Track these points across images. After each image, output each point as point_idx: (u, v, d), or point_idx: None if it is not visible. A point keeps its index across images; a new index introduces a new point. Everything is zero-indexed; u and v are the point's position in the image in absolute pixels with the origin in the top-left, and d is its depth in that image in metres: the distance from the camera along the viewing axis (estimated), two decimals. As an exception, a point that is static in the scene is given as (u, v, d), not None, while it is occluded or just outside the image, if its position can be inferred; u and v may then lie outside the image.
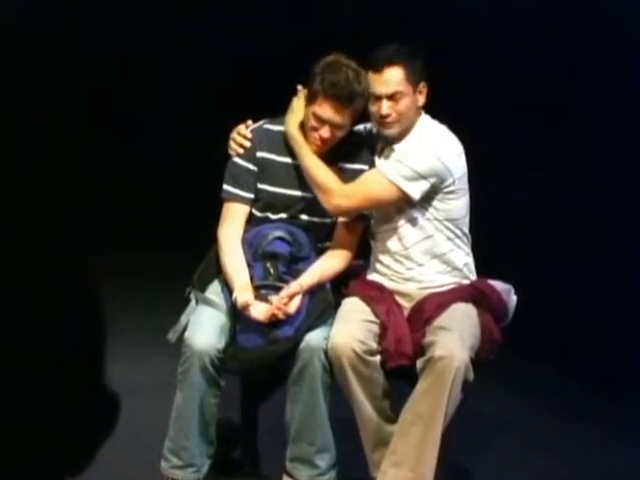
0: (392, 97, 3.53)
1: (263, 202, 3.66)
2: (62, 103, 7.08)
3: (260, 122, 3.73)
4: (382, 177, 3.52)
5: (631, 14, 5.56)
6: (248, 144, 3.63)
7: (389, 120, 3.55)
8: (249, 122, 3.69)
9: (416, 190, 3.51)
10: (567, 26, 5.76)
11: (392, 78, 3.53)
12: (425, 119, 3.65)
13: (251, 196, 3.65)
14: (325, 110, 3.49)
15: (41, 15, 6.87)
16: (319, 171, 3.55)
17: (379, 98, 3.54)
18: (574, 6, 5.69)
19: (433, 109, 3.68)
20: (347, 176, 3.61)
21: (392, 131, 3.59)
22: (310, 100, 3.53)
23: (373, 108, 3.57)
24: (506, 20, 5.93)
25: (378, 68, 3.53)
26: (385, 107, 3.53)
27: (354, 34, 5.20)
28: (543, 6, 5.83)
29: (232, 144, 3.67)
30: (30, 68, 7.01)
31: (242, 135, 3.64)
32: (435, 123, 3.65)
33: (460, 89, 5.66)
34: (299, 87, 3.62)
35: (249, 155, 3.65)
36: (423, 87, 3.58)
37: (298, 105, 3.61)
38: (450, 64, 5.50)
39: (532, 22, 5.91)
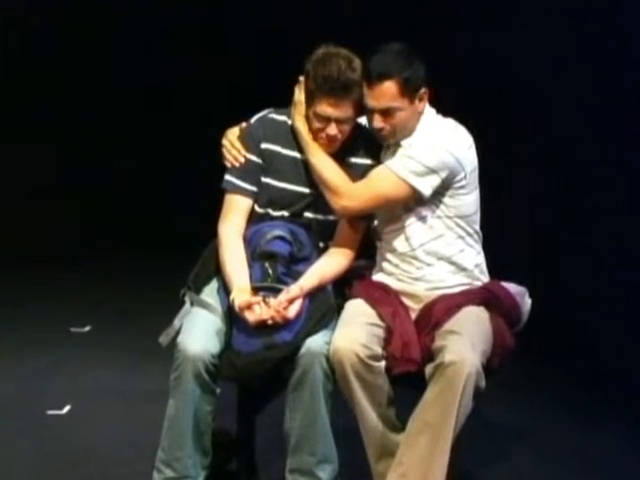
0: (385, 112, 3.42)
1: (265, 197, 3.55)
2: (62, 104, 7.24)
3: (265, 112, 3.63)
4: (391, 174, 3.42)
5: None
6: (242, 160, 3.54)
7: (383, 133, 3.46)
8: (243, 124, 3.60)
9: (427, 186, 3.41)
10: (572, 28, 5.77)
11: (384, 94, 3.39)
12: (430, 113, 3.54)
13: (255, 189, 3.55)
14: (324, 107, 3.39)
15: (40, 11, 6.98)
16: (327, 169, 3.45)
17: (372, 111, 3.42)
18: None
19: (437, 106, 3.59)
20: (354, 171, 3.51)
21: (390, 141, 3.49)
22: (308, 101, 3.44)
23: (368, 118, 3.48)
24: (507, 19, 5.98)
25: (370, 82, 3.39)
26: (377, 121, 3.43)
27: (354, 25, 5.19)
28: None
29: (226, 154, 3.57)
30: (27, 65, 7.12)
31: (237, 149, 3.55)
32: (441, 117, 3.55)
33: (467, 83, 5.66)
34: (300, 78, 3.51)
35: (253, 147, 3.55)
36: (424, 93, 3.47)
37: (300, 97, 3.51)
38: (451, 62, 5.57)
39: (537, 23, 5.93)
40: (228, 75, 7.18)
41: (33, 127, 7.21)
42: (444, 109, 3.55)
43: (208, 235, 3.59)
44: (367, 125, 3.56)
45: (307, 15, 6.68)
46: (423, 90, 3.45)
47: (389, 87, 3.38)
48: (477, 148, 3.50)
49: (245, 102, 3.88)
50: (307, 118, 3.47)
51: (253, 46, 7.17)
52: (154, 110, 7.31)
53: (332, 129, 3.41)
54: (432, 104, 3.53)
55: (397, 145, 3.49)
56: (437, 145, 3.41)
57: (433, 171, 3.39)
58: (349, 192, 3.42)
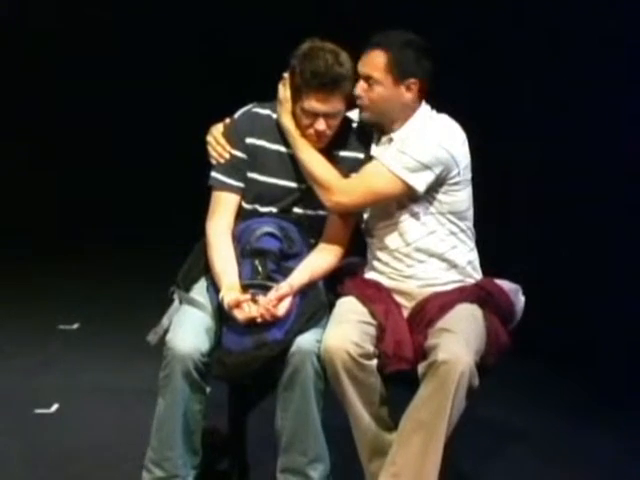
0: (367, 80, 3.41)
1: (252, 193, 3.51)
2: (56, 102, 7.35)
3: (248, 106, 3.59)
4: (384, 170, 3.38)
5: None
6: (228, 156, 3.50)
7: (359, 102, 3.44)
8: (227, 120, 3.56)
9: (421, 182, 3.37)
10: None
11: (371, 61, 3.41)
12: (425, 109, 3.51)
13: (241, 185, 3.52)
14: (312, 103, 3.35)
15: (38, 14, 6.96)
16: (317, 166, 3.42)
17: (358, 77, 3.43)
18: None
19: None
20: (343, 165, 3.48)
21: (363, 115, 3.47)
22: (295, 97, 3.40)
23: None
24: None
25: (366, 48, 3.42)
26: (358, 87, 3.42)
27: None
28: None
29: (211, 151, 3.54)
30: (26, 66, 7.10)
31: (222, 145, 3.51)
32: (435, 112, 3.52)
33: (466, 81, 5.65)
34: (284, 75, 3.47)
35: (238, 142, 3.51)
36: (412, 84, 3.43)
37: (285, 94, 3.47)
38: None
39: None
40: (223, 71, 7.19)
41: (30, 126, 7.22)
42: (440, 106, 3.53)
43: (197, 232, 3.56)
44: (356, 119, 3.54)
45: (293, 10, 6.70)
46: (412, 80, 3.41)
47: (377, 56, 3.39)
48: (470, 145, 3.47)
49: (235, 98, 3.84)
50: (294, 115, 3.43)
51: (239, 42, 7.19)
52: (148, 108, 7.31)
53: (321, 124, 3.37)
54: (427, 101, 3.51)
55: (389, 140, 3.46)
56: (431, 141, 3.37)
57: (427, 167, 3.35)
58: (341, 188, 3.39)
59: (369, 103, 3.42)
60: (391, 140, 3.46)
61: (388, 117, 3.45)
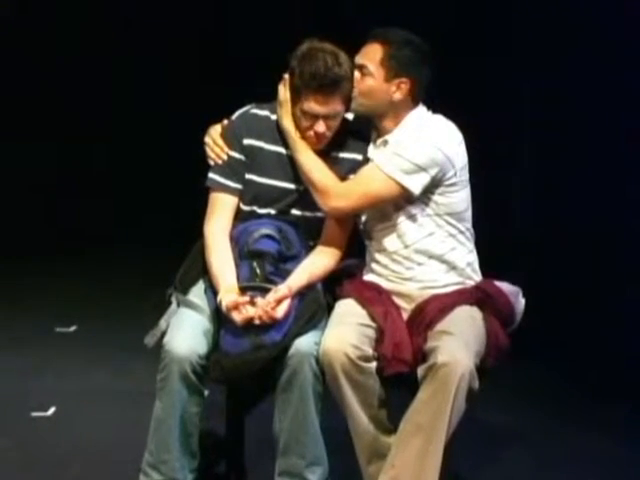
0: (360, 70, 3.42)
1: (250, 194, 3.49)
2: (58, 104, 7.28)
3: (247, 107, 3.58)
4: (380, 173, 3.37)
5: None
6: (225, 157, 3.49)
7: (352, 93, 3.43)
8: (225, 122, 3.55)
9: (417, 184, 3.36)
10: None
11: (367, 52, 3.43)
12: (421, 110, 3.50)
13: (239, 187, 3.50)
14: (312, 105, 3.33)
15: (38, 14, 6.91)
16: (315, 170, 3.41)
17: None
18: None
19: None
20: (341, 166, 3.46)
21: (352, 105, 3.45)
22: (294, 98, 3.39)
23: None
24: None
25: (367, 39, 3.44)
26: (354, 79, 3.42)
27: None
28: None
29: (209, 152, 3.53)
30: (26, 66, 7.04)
31: (219, 146, 3.50)
32: (430, 113, 3.51)
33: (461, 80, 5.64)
34: (284, 76, 3.45)
35: (235, 143, 3.49)
36: (403, 83, 3.42)
37: (285, 96, 3.45)
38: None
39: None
40: (222, 71, 7.18)
41: (30, 126, 7.21)
42: (439, 106, 3.52)
43: (195, 234, 3.54)
44: (353, 120, 3.54)
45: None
46: (403, 80, 3.40)
47: (374, 49, 3.41)
48: (468, 145, 3.45)
49: (234, 99, 3.83)
50: (294, 116, 3.42)
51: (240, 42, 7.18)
52: (147, 108, 7.30)
53: (320, 126, 3.36)
54: (425, 102, 3.50)
55: (384, 143, 3.45)
56: (426, 142, 3.36)
57: (422, 169, 3.34)
58: (338, 192, 3.38)
59: (358, 94, 3.41)
60: (386, 142, 3.45)
61: (375, 112, 3.44)
